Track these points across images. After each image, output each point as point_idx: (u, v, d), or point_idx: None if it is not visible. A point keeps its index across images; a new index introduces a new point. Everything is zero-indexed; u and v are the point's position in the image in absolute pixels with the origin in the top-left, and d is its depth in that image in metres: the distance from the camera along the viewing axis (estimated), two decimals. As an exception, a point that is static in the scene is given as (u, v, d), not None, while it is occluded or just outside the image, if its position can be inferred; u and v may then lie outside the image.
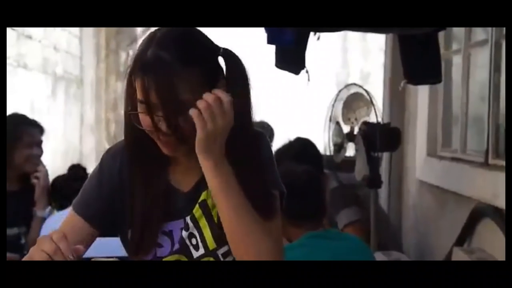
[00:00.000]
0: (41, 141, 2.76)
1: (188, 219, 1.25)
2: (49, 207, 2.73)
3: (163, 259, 1.25)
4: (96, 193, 1.28)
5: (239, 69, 1.25)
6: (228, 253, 1.24)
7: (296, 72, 2.32)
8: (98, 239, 1.33)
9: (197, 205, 1.25)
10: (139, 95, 1.18)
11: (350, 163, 2.98)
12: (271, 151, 1.31)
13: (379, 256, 2.63)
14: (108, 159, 1.31)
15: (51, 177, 2.83)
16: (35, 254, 1.11)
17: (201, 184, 1.25)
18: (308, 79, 2.18)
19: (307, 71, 2.28)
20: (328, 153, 3.11)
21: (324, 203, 2.05)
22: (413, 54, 2.19)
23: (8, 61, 4.74)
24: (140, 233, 1.25)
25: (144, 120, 1.19)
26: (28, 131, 2.70)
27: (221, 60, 1.24)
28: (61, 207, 2.72)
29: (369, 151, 2.76)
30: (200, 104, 1.15)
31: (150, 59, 1.15)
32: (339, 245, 1.92)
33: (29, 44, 5.16)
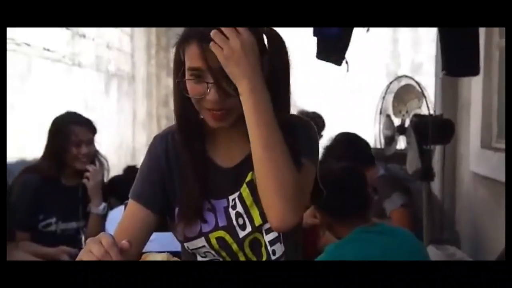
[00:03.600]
0: (91, 139, 2.79)
1: (236, 198, 1.28)
2: (104, 204, 2.78)
3: (209, 235, 1.28)
4: (148, 178, 1.31)
5: (281, 49, 1.26)
6: (270, 229, 1.26)
7: (338, 63, 2.31)
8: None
9: (244, 185, 1.27)
10: (190, 63, 1.21)
11: (401, 156, 2.94)
12: (311, 135, 1.30)
13: (432, 250, 2.59)
14: (156, 143, 1.35)
15: (105, 172, 2.89)
16: (83, 255, 1.14)
17: (245, 163, 1.28)
18: (347, 70, 2.18)
19: (346, 62, 2.26)
20: (378, 146, 3.08)
21: (368, 197, 2.03)
22: (451, 46, 2.15)
23: (63, 60, 4.88)
24: (185, 209, 1.28)
25: (193, 88, 1.22)
26: (75, 130, 2.73)
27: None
28: (119, 205, 2.79)
29: (420, 144, 2.72)
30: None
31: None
32: (391, 240, 1.90)
33: (83, 42, 5.29)
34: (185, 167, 1.29)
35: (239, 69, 1.16)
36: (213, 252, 1.30)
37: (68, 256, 2.57)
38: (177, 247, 1.43)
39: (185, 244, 1.32)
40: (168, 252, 1.21)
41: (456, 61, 2.17)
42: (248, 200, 1.27)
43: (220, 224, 1.28)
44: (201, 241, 1.30)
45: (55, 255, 2.56)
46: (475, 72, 2.32)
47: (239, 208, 1.27)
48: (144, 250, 1.42)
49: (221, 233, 1.28)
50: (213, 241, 1.29)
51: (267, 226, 1.26)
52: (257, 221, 1.26)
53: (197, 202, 1.28)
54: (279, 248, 1.28)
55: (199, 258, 1.33)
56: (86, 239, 2.76)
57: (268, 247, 1.27)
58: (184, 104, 1.27)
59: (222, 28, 1.17)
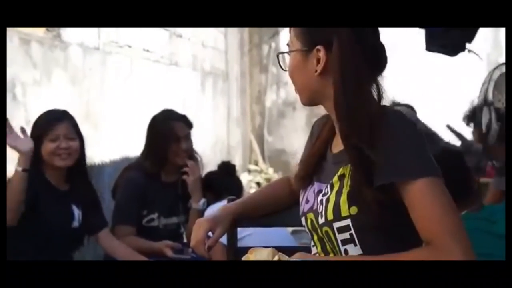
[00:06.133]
0: (188, 134, 2.87)
1: (328, 186, 1.31)
2: (204, 200, 2.84)
3: (307, 215, 1.36)
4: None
5: (351, 49, 1.29)
6: (344, 229, 1.26)
7: (453, 54, 2.26)
8: (260, 229, 1.43)
9: (337, 177, 1.30)
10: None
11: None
12: (412, 133, 1.23)
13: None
14: (314, 122, 1.52)
15: (201, 168, 2.95)
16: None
17: (343, 153, 1.29)
18: (479, 58, 2.13)
19: (469, 50, 2.20)
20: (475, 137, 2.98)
21: (472, 179, 1.99)
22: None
23: (161, 60, 5.06)
24: (297, 183, 1.44)
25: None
26: (174, 125, 2.82)
27: None
28: (214, 202, 2.84)
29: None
30: None
31: None
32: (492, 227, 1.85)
33: (180, 42, 5.45)
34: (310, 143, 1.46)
35: None
36: (309, 233, 1.37)
37: (171, 251, 2.67)
38: (280, 242, 1.48)
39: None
40: (273, 247, 1.25)
41: None
42: (334, 192, 1.29)
43: (314, 207, 1.34)
44: (303, 220, 1.38)
45: (160, 249, 2.67)
46: None
47: (326, 196, 1.31)
48: (243, 245, 1.48)
49: (312, 215, 1.34)
50: (309, 221, 1.35)
51: (339, 224, 1.26)
52: (329, 215, 1.28)
53: (302, 173, 1.41)
54: (353, 250, 1.27)
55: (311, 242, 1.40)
56: (187, 234, 2.87)
57: (340, 246, 1.28)
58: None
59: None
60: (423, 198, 1.17)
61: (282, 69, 1.40)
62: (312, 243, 1.38)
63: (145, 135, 2.89)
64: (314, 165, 1.39)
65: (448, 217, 1.16)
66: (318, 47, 1.29)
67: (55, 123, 2.40)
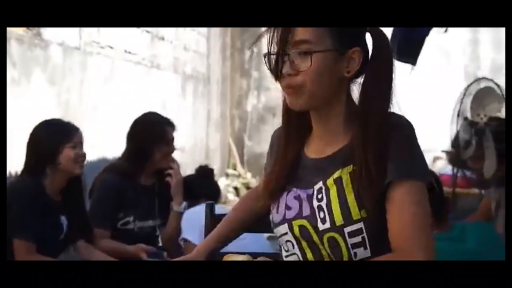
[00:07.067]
0: (173, 138, 2.88)
1: (322, 190, 1.29)
2: (185, 203, 2.83)
3: (292, 222, 1.31)
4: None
5: (384, 51, 1.28)
6: (356, 232, 1.25)
7: (415, 63, 2.28)
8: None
9: (332, 180, 1.28)
10: (269, 37, 1.28)
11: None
12: (414, 139, 1.28)
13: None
14: (274, 132, 1.47)
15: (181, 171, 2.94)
16: None
17: (334, 158, 1.29)
18: (412, 68, 2.15)
19: (415, 64, 2.23)
20: (454, 149, 3.02)
21: (444, 201, 2.02)
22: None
23: (143, 62, 5.04)
24: (269, 197, 1.37)
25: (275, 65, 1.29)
26: (164, 129, 2.82)
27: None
28: (191, 205, 2.83)
29: (499, 148, 2.64)
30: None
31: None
32: (460, 247, 1.87)
33: (162, 45, 5.44)
34: (276, 154, 1.39)
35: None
36: (293, 240, 1.32)
37: (146, 254, 2.65)
38: (255, 248, 1.47)
39: (274, 230, 1.37)
40: (248, 253, 1.25)
41: None
42: (333, 196, 1.27)
43: (304, 214, 1.30)
44: (284, 228, 1.32)
45: (134, 253, 2.65)
46: None
47: (323, 201, 1.28)
48: (234, 250, 1.48)
49: (303, 222, 1.30)
50: (296, 229, 1.30)
51: (351, 228, 1.25)
52: (338, 220, 1.25)
53: (274, 185, 1.36)
54: (362, 253, 1.26)
55: (283, 251, 1.36)
56: (163, 237, 2.85)
57: (350, 250, 1.26)
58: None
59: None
60: (412, 199, 1.22)
61: (274, 72, 1.28)
62: (293, 251, 1.34)
63: (127, 136, 2.85)
64: (288, 174, 1.35)
65: (426, 225, 1.21)
66: (356, 48, 1.27)
67: (74, 131, 2.42)
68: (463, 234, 1.98)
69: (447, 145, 3.12)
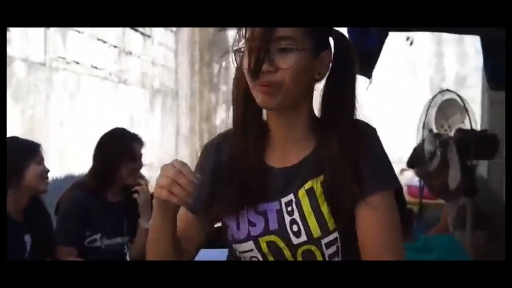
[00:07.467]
0: (141, 154, 2.87)
1: (292, 203, 1.24)
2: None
3: (258, 239, 1.25)
4: (198, 184, 1.26)
5: (348, 55, 1.27)
6: (332, 243, 1.22)
7: (369, 75, 2.30)
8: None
9: (303, 191, 1.24)
10: (248, 34, 1.22)
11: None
12: (382, 146, 1.26)
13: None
14: (207, 148, 1.38)
15: (150, 187, 2.92)
16: (160, 181, 1.17)
17: (300, 167, 1.26)
18: (370, 83, 2.17)
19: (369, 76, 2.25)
20: (420, 160, 3.05)
21: (409, 213, 2.04)
22: (492, 59, 2.12)
23: (109, 77, 5.01)
24: (223, 209, 1.28)
25: (244, 60, 1.22)
26: (131, 145, 2.79)
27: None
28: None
29: (463, 159, 2.68)
30: None
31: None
32: (426, 257, 1.89)
33: (129, 60, 5.41)
34: (234, 167, 1.28)
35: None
36: (259, 257, 1.26)
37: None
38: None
39: (234, 246, 1.29)
40: None
41: (498, 75, 2.14)
42: (306, 208, 1.23)
43: (271, 228, 1.24)
44: (249, 245, 1.26)
45: None
46: None
47: (295, 214, 1.23)
48: None
49: (272, 238, 1.24)
50: (263, 245, 1.25)
51: (327, 239, 1.22)
52: (315, 232, 1.22)
53: (236, 204, 1.27)
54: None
55: None
56: (132, 254, 2.82)
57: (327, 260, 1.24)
58: (246, 104, 1.29)
59: None
60: (384, 206, 1.22)
61: (256, 69, 1.21)
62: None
63: (94, 153, 2.82)
64: (249, 187, 1.26)
65: (396, 232, 1.22)
66: (327, 51, 1.25)
67: (38, 147, 2.38)
68: (427, 245, 2.00)
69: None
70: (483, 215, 2.80)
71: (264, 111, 1.30)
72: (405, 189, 3.79)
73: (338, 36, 1.27)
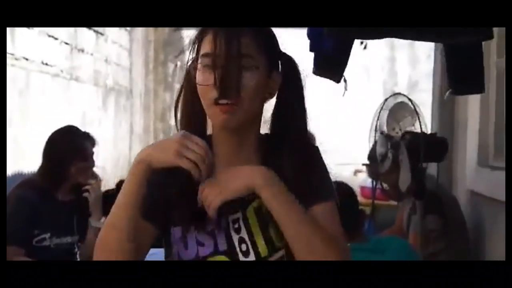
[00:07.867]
0: (93, 153, 2.83)
1: (240, 221, 1.24)
2: (104, 218, 2.78)
3: (208, 259, 1.23)
4: (148, 191, 1.23)
5: (296, 76, 1.29)
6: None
7: (337, 80, 2.32)
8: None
9: (251, 209, 1.24)
10: (206, 49, 1.20)
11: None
12: (323, 162, 1.30)
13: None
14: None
15: (102, 186, 2.89)
16: (179, 161, 1.14)
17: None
18: (346, 89, 2.17)
19: (345, 80, 2.27)
20: (372, 162, 3.10)
21: (360, 213, 2.07)
22: (456, 64, 2.16)
23: (61, 74, 4.90)
24: (181, 220, 1.25)
25: (204, 76, 1.20)
26: (83, 144, 2.76)
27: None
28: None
29: (413, 161, 2.73)
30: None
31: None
32: (381, 258, 1.92)
33: (82, 57, 5.31)
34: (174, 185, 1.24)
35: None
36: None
37: None
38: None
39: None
40: None
41: (461, 79, 2.17)
42: (254, 227, 1.23)
43: (221, 249, 1.23)
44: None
45: None
46: (480, 90, 2.31)
47: (243, 233, 1.23)
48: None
49: (221, 258, 1.24)
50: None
51: (275, 258, 1.23)
52: (263, 251, 1.22)
53: (183, 220, 1.25)
54: None
55: None
56: (82, 253, 2.77)
57: None
58: (192, 115, 1.26)
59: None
60: (331, 219, 1.23)
61: (234, 88, 1.19)
62: None
63: (44, 151, 2.77)
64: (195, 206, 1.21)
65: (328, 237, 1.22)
66: (278, 71, 1.27)
67: None
68: (379, 244, 2.03)
69: (365, 160, 3.20)
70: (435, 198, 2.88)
71: (209, 127, 1.28)
72: (358, 190, 3.84)
73: (286, 58, 1.29)
